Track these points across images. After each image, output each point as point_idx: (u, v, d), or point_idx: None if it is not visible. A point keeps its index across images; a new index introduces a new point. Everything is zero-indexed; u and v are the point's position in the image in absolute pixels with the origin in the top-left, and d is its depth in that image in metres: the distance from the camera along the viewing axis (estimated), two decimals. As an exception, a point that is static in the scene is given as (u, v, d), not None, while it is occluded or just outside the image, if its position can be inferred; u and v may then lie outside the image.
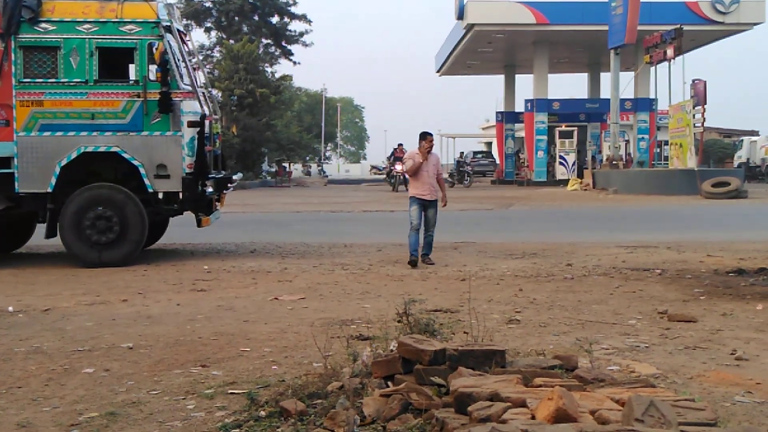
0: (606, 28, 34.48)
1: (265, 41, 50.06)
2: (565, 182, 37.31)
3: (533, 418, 3.46)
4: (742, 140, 49.84)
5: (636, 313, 7.72)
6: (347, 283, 9.92)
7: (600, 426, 3.30)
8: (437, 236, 12.05)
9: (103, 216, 11.51)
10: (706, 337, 6.67)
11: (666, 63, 31.40)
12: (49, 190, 11.53)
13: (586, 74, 48.76)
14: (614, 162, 34.26)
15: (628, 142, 43.83)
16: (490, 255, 12.51)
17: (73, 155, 11.53)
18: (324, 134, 71.03)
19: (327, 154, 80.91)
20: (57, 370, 5.85)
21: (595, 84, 47.27)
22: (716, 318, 7.51)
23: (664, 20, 33.99)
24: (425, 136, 11.68)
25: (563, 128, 41.56)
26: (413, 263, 11.34)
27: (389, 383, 4.53)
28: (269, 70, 47.89)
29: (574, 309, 7.99)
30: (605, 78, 41.96)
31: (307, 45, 51.29)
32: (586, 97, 47.00)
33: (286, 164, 52.19)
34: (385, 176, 37.92)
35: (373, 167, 58.11)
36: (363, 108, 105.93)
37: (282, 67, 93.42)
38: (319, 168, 64.72)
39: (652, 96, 38.42)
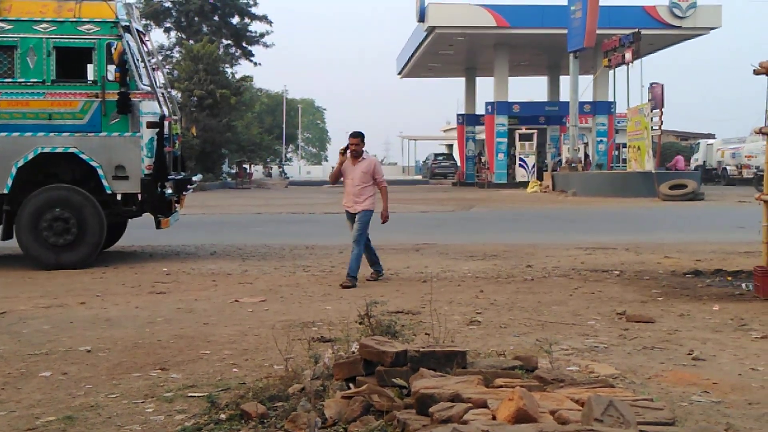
0: (565, 31, 34.84)
1: (225, 42, 49.80)
2: (525, 184, 37.62)
3: (494, 418, 3.48)
4: (699, 143, 50.59)
5: (595, 314, 7.80)
6: (309, 285, 9.89)
7: (560, 426, 3.32)
8: (396, 237, 12.04)
9: (61, 218, 11.36)
10: (663, 337, 6.76)
11: (624, 66, 31.80)
12: (5, 191, 11.35)
13: (545, 77, 49.20)
14: (573, 164, 34.60)
15: (587, 144, 44.30)
16: (452, 256, 12.56)
17: (30, 156, 11.36)
18: (285, 136, 70.83)
19: (288, 155, 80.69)
20: (13, 374, 5.76)
21: (554, 87, 47.70)
22: (674, 318, 7.62)
23: (623, 24, 34.41)
24: (351, 137, 10.28)
25: (523, 131, 41.90)
26: (375, 279, 10.26)
27: (351, 385, 4.52)
28: (230, 71, 47.64)
29: (534, 310, 8.05)
30: (564, 81, 42.40)
31: (267, 46, 51.15)
32: (545, 100, 47.43)
33: (246, 166, 51.90)
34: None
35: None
36: (324, 110, 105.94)
37: (242, 68, 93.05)
38: (280, 170, 64.53)
39: (610, 99, 38.86)
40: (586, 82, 38.59)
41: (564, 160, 37.15)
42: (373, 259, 10.42)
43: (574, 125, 35.57)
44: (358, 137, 10.18)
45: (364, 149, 10.29)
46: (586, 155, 41.18)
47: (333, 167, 10.77)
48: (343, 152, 10.22)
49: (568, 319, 7.60)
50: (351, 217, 10.26)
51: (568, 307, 8.20)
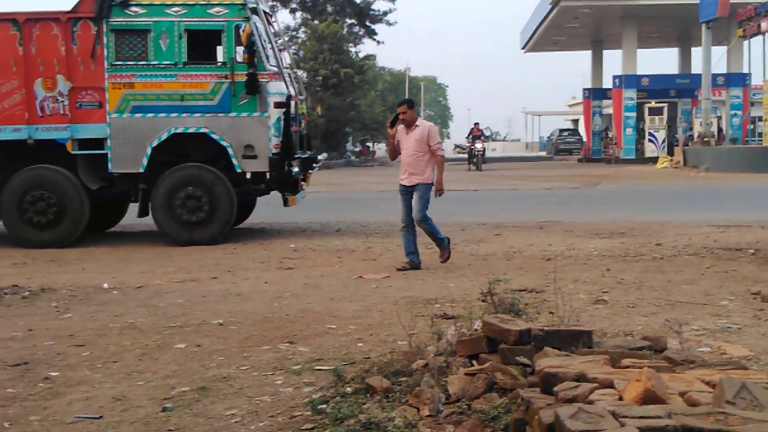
0: (697, 1, 33.46)
1: (349, 21, 50.12)
2: (654, 160, 36.47)
3: (620, 399, 3.42)
4: None
5: (728, 294, 7.52)
6: (431, 262, 9.93)
7: (689, 408, 3.24)
8: (519, 215, 11.86)
9: (194, 196, 11.77)
10: (801, 319, 6.47)
11: (760, 36, 30.34)
12: (141, 170, 11.85)
13: (676, 49, 47.45)
14: (706, 139, 33.32)
15: (720, 118, 42.55)
16: (577, 234, 12.34)
17: (164, 136, 11.81)
18: (408, 113, 70.98)
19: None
20: (150, 346, 6.04)
21: (685, 59, 45.97)
22: (813, 299, 7.27)
23: (759, -8, 32.78)
24: (398, 105, 9.69)
25: (653, 105, 40.59)
26: (405, 268, 9.39)
27: (474, 362, 4.53)
28: (353, 50, 47.98)
29: (663, 289, 7.84)
30: (696, 53, 40.78)
31: (390, 24, 51.19)
32: (676, 72, 45.76)
33: (369, 144, 52.34)
34: (467, 155, 37.75)
35: (456, 146, 57.87)
36: (446, 87, 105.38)
37: (366, 47, 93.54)
38: (403, 147, 64.63)
39: (745, 71, 37.16)
40: (719, 53, 37.03)
41: (696, 135, 35.81)
42: (411, 248, 9.53)
43: (707, 98, 34.20)
44: (404, 104, 9.55)
45: (418, 117, 9.59)
46: (720, 129, 39.58)
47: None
48: (391, 125, 9.58)
49: (700, 298, 7.36)
50: (405, 191, 9.46)
51: (700, 287, 7.94)
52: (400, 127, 9.45)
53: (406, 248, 9.52)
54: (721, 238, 11.51)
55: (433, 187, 9.47)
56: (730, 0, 31.48)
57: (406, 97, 68.26)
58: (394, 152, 9.70)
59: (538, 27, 43.94)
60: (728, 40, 37.94)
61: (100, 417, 4.49)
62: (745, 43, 33.12)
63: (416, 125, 9.39)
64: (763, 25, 29.71)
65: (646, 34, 43.02)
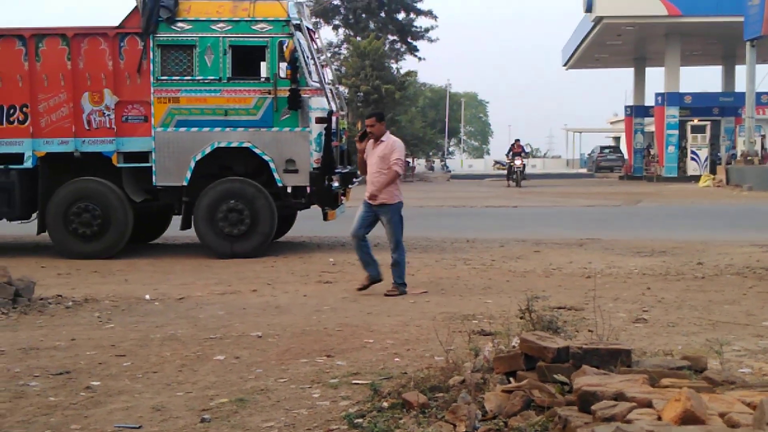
0: (742, 19, 33.10)
1: (391, 38, 50.30)
2: (696, 178, 36.06)
3: (659, 419, 3.40)
4: None
5: (771, 315, 7.42)
6: (469, 278, 9.92)
7: (729, 429, 3.22)
8: (559, 232, 11.80)
9: (235, 209, 11.89)
10: None
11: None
12: (185, 183, 12.00)
13: (720, 67, 46.96)
14: (749, 158, 32.87)
15: (764, 137, 41.93)
16: (617, 252, 12.25)
17: (207, 150, 11.96)
18: (447, 129, 70.96)
19: (450, 149, 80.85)
20: (190, 357, 6.10)
21: (729, 77, 45.46)
22: None
23: (806, 10, 32.32)
24: (366, 118, 9.25)
25: (695, 123, 40.16)
26: (365, 287, 8.97)
27: (511, 379, 4.53)
28: (394, 66, 48.13)
29: (704, 309, 7.75)
30: (740, 71, 40.30)
31: (432, 41, 51.27)
32: (719, 90, 45.26)
33: (409, 159, 52.42)
34: (506, 171, 37.70)
35: (496, 162, 57.78)
36: (487, 103, 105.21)
37: (407, 63, 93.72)
38: (443, 163, 64.74)
39: (790, 89, 36.64)
40: (763, 71, 36.56)
41: (739, 153, 35.35)
42: (367, 260, 9.04)
43: (751, 116, 33.74)
44: (373, 117, 9.01)
45: (386, 132, 9.05)
46: (764, 148, 39.02)
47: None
48: (360, 139, 9.13)
49: (741, 319, 7.27)
50: (368, 207, 8.97)
51: (741, 307, 7.84)
52: (370, 142, 9.04)
53: (363, 262, 9.03)
54: (763, 258, 11.35)
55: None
56: (776, 18, 31.09)
57: (446, 114, 68.41)
58: (364, 167, 9.17)
59: (580, 44, 43.78)
60: (773, 57, 37.47)
61: (140, 427, 4.55)
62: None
63: (382, 140, 8.91)
64: (809, 43, 29.29)
65: (689, 52, 42.66)
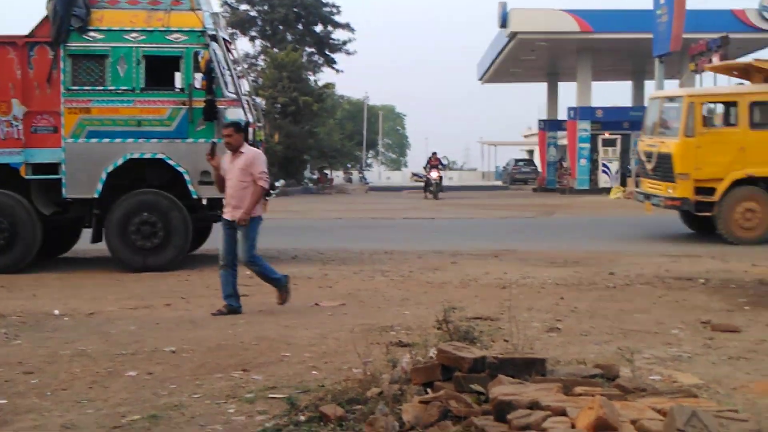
0: (651, 36, 34.15)
1: (308, 50, 50.27)
2: (607, 190, 36.98)
3: (573, 427, 3.45)
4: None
5: (679, 323, 7.63)
6: (387, 289, 9.94)
7: (640, 436, 3.28)
8: (475, 243, 11.92)
9: (148, 221, 11.68)
10: (750, 347, 6.58)
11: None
12: (96, 195, 11.73)
13: (630, 82, 48.31)
14: (658, 170, 33.82)
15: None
16: (532, 263, 12.44)
17: (120, 162, 11.72)
18: (366, 142, 71.19)
19: (368, 161, 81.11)
20: (101, 373, 5.95)
21: (639, 92, 46.77)
22: (761, 328, 7.41)
23: (710, 28, 33.50)
24: (224, 128, 8.78)
25: (606, 136, 41.19)
26: (222, 312, 8.39)
27: (428, 390, 4.54)
28: (312, 78, 48.08)
29: (615, 318, 7.93)
30: (650, 86, 41.46)
31: (350, 53, 51.45)
32: (630, 105, 46.56)
33: (327, 171, 52.38)
34: (423, 184, 38.01)
35: (414, 174, 58.13)
36: (405, 116, 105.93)
37: (325, 75, 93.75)
38: (361, 175, 64.89)
39: (697, 104, 37.78)
40: (672, 86, 37.74)
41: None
42: (230, 291, 8.54)
43: (660, 131, 34.78)
44: (230, 127, 8.53)
45: (245, 143, 8.69)
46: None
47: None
48: (210, 155, 8.67)
49: (651, 327, 7.46)
50: (229, 225, 8.48)
51: (651, 316, 8.04)
52: (228, 154, 8.53)
53: (225, 291, 8.52)
54: (672, 267, 11.69)
55: (239, 217, 8.36)
56: (683, 35, 32.17)
57: (364, 126, 68.64)
58: (222, 182, 8.59)
59: (495, 59, 44.48)
60: (681, 73, 38.72)
61: (49, 446, 4.40)
62: (697, 77, 33.72)
63: (241, 152, 8.45)
64: (715, 60, 30.31)
65: (600, 67, 43.76)
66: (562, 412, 3.62)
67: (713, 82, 31.05)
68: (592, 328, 7.43)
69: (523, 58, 42.90)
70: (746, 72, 16.93)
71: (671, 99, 16.62)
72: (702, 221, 16.33)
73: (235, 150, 8.45)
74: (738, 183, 15.29)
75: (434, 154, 37.39)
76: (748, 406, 4.83)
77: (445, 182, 42.34)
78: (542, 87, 50.80)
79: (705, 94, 16.38)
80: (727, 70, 18.50)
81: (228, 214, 8.47)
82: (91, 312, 8.56)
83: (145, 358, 6.40)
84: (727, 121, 16.32)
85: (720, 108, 16.68)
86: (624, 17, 37.37)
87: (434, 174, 35.69)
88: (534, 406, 3.72)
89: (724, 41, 30.13)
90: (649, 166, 16.97)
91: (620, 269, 11.56)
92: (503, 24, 38.60)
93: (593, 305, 8.67)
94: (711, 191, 15.30)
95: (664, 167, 16.02)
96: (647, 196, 16.94)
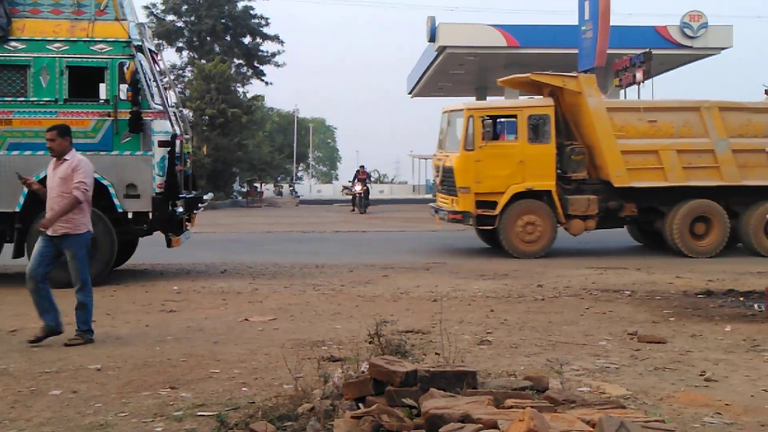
0: (576, 51, 34.86)
1: (237, 61, 49.92)
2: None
3: (504, 439, 3.45)
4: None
5: (606, 334, 7.76)
6: (318, 303, 9.88)
7: (571, 447, 3.30)
8: (406, 257, 11.94)
9: (72, 236, 11.37)
10: (675, 358, 6.72)
11: (635, 86, 31.73)
12: (17, 209, 11.40)
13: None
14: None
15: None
16: (462, 276, 12.53)
17: (42, 174, 11.35)
18: (296, 154, 70.96)
19: (299, 174, 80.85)
20: (23, 392, 5.77)
21: (565, 106, 47.62)
22: (685, 339, 7.57)
23: (634, 44, 34.35)
24: (47, 131, 7.83)
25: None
26: (39, 338, 7.52)
27: (360, 405, 4.51)
28: (241, 90, 47.71)
29: (544, 330, 8.02)
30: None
31: (279, 65, 51.22)
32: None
33: (257, 184, 51.97)
34: (351, 198, 38.02)
35: (344, 188, 58.12)
36: (335, 129, 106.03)
37: (254, 88, 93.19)
38: (291, 188, 64.62)
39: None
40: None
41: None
42: (46, 306, 7.65)
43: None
44: (54, 130, 7.69)
45: (72, 149, 7.77)
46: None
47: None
48: (22, 181, 7.97)
49: (579, 339, 7.56)
50: (47, 240, 7.65)
51: (579, 327, 8.16)
52: (52, 161, 7.77)
53: (39, 308, 7.62)
54: (599, 279, 11.90)
55: (43, 222, 7.64)
56: (607, 51, 32.90)
57: (294, 139, 68.40)
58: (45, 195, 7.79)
59: (424, 73, 44.83)
60: (605, 88, 39.52)
61: (-34, 470, 4.24)
62: (621, 92, 34.57)
63: (65, 159, 7.65)
64: (638, 75, 31.08)
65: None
66: (494, 425, 3.63)
67: (637, 98, 31.85)
68: (522, 340, 7.50)
69: (452, 72, 43.33)
70: (537, 86, 17.08)
71: (456, 113, 16.65)
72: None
73: (59, 156, 7.66)
74: (519, 196, 15.56)
75: (362, 167, 37.46)
76: (674, 416, 4.92)
77: (376, 196, 42.50)
78: (471, 101, 51.40)
79: (484, 108, 16.47)
80: (517, 86, 18.51)
81: (50, 230, 7.59)
82: (13, 329, 8.30)
83: (69, 376, 6.22)
84: (506, 135, 16.48)
85: (501, 122, 16.67)
86: (550, 32, 38.09)
87: (358, 187, 35.67)
88: (465, 419, 3.72)
89: (647, 57, 30.97)
90: (438, 180, 17.25)
91: (548, 282, 11.73)
92: (432, 38, 38.95)
93: (522, 317, 8.76)
94: (493, 204, 15.54)
95: (448, 181, 16.23)
96: (437, 210, 17.15)
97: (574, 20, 35.80)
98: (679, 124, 15.65)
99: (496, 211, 15.46)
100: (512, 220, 15.47)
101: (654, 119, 15.66)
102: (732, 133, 15.64)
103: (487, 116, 15.71)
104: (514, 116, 16.00)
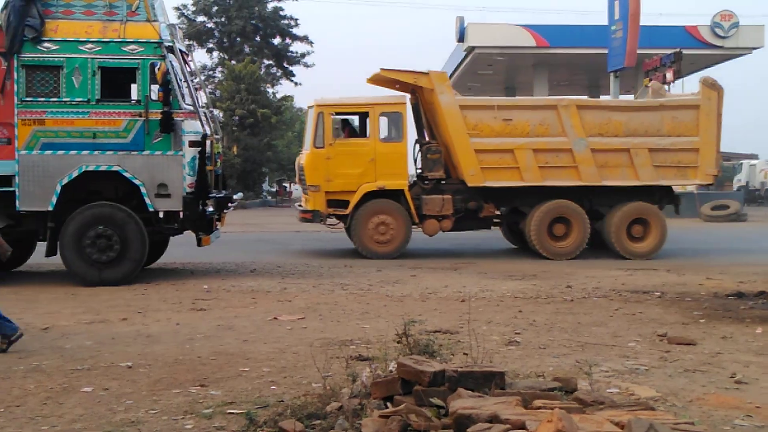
0: (606, 51, 34.62)
1: (266, 62, 50.18)
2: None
3: (532, 440, 3.45)
4: (742, 163, 49.83)
5: (635, 336, 7.71)
6: (347, 303, 9.91)
7: (599, 448, 3.30)
8: (434, 257, 11.88)
9: (104, 235, 11.51)
10: (705, 360, 6.67)
11: (666, 86, 31.49)
12: (50, 208, 11.54)
13: (585, 97, 48.93)
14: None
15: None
16: (490, 276, 12.51)
17: (75, 174, 11.54)
18: (324, 154, 71.23)
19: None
20: (56, 389, 5.84)
21: (594, 106, 47.30)
22: (716, 341, 7.51)
23: (664, 44, 34.09)
24: None
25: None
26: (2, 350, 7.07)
27: (388, 404, 4.52)
28: (271, 90, 47.99)
29: (573, 331, 7.99)
30: (605, 100, 42.03)
31: (308, 66, 51.44)
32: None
33: (286, 184, 52.22)
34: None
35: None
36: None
37: (283, 88, 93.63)
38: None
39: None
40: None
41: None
42: None
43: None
44: None
45: None
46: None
47: None
48: None
49: (608, 340, 7.53)
50: None
51: (608, 329, 8.12)
52: None
53: None
54: (628, 280, 11.83)
55: None
56: (637, 51, 32.67)
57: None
58: None
59: (453, 73, 44.76)
60: (635, 88, 39.26)
61: (0, 465, 4.31)
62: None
63: None
64: (668, 75, 30.85)
65: (556, 82, 44.27)
66: (522, 426, 3.63)
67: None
68: (551, 341, 7.48)
69: (481, 72, 43.22)
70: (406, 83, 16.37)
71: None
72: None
73: None
74: (371, 195, 15.33)
75: None
76: (704, 418, 4.89)
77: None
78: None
79: (334, 104, 15.96)
80: (382, 83, 17.58)
81: None
82: (45, 327, 8.40)
83: (100, 374, 6.29)
84: (357, 132, 16.23)
85: (354, 118, 16.43)
86: (579, 32, 37.86)
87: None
88: (493, 419, 3.73)
89: (678, 57, 30.73)
90: (297, 178, 16.91)
91: (577, 283, 11.67)
92: (461, 38, 38.88)
93: (551, 318, 8.73)
94: (345, 204, 15.31)
95: (302, 179, 16.04)
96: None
97: (603, 20, 35.53)
98: (536, 123, 15.28)
99: (348, 211, 15.28)
100: (364, 219, 15.26)
101: (509, 117, 15.28)
102: (591, 132, 15.26)
103: (337, 113, 15.56)
104: (366, 113, 15.81)
